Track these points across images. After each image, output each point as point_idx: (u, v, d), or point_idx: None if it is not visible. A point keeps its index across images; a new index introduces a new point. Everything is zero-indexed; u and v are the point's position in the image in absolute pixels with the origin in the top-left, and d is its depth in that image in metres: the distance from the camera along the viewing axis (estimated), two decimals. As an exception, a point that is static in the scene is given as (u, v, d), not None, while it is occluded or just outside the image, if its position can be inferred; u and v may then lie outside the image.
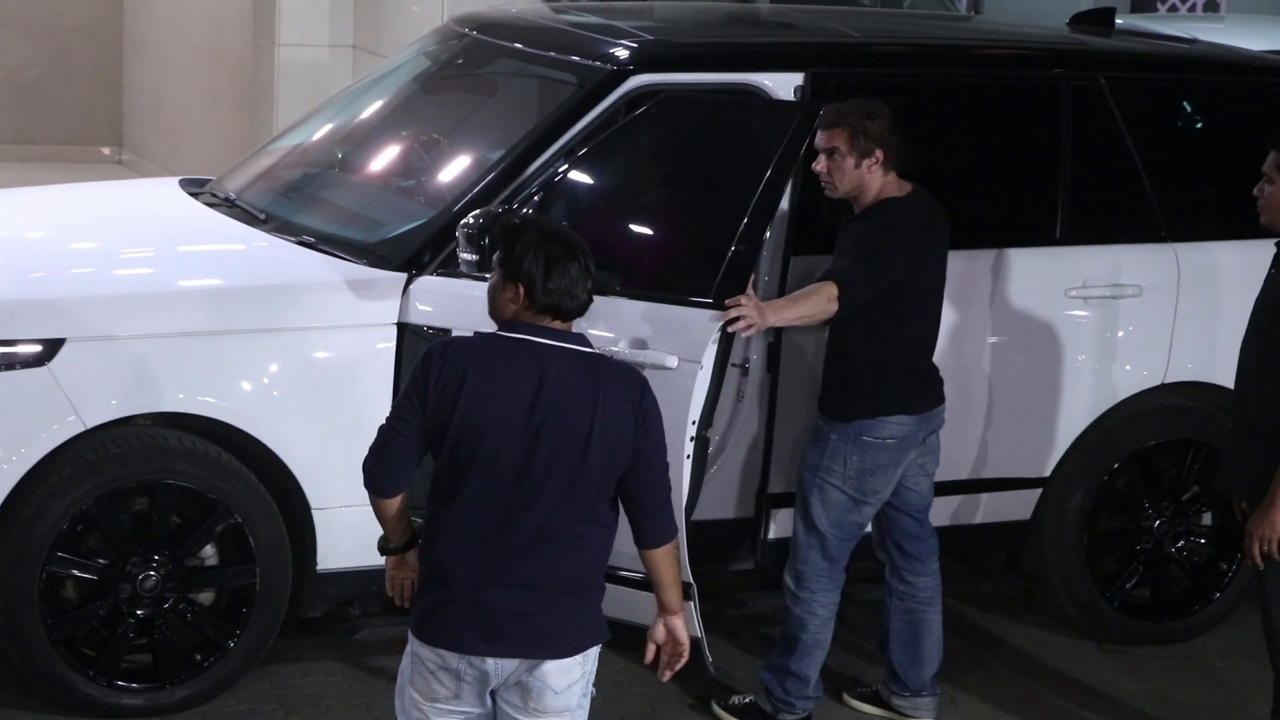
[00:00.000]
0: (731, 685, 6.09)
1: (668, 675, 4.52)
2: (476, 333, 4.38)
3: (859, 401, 5.70)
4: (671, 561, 4.44)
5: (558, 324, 4.32)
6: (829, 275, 5.62)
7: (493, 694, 4.32)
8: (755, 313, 5.51)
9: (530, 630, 4.28)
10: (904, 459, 5.77)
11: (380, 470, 4.37)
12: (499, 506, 4.26)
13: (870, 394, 5.69)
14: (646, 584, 5.47)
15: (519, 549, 4.27)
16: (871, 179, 5.68)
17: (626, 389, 4.32)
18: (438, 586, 4.31)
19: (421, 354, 4.37)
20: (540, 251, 4.28)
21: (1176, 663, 6.63)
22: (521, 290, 4.30)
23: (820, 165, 5.70)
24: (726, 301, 5.50)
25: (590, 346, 4.36)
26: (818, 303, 5.58)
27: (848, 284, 5.58)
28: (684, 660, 4.50)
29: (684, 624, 4.48)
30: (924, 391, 5.78)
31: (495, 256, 4.37)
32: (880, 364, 5.68)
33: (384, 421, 4.36)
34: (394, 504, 4.42)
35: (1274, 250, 5.49)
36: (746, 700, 5.97)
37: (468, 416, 4.23)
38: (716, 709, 5.97)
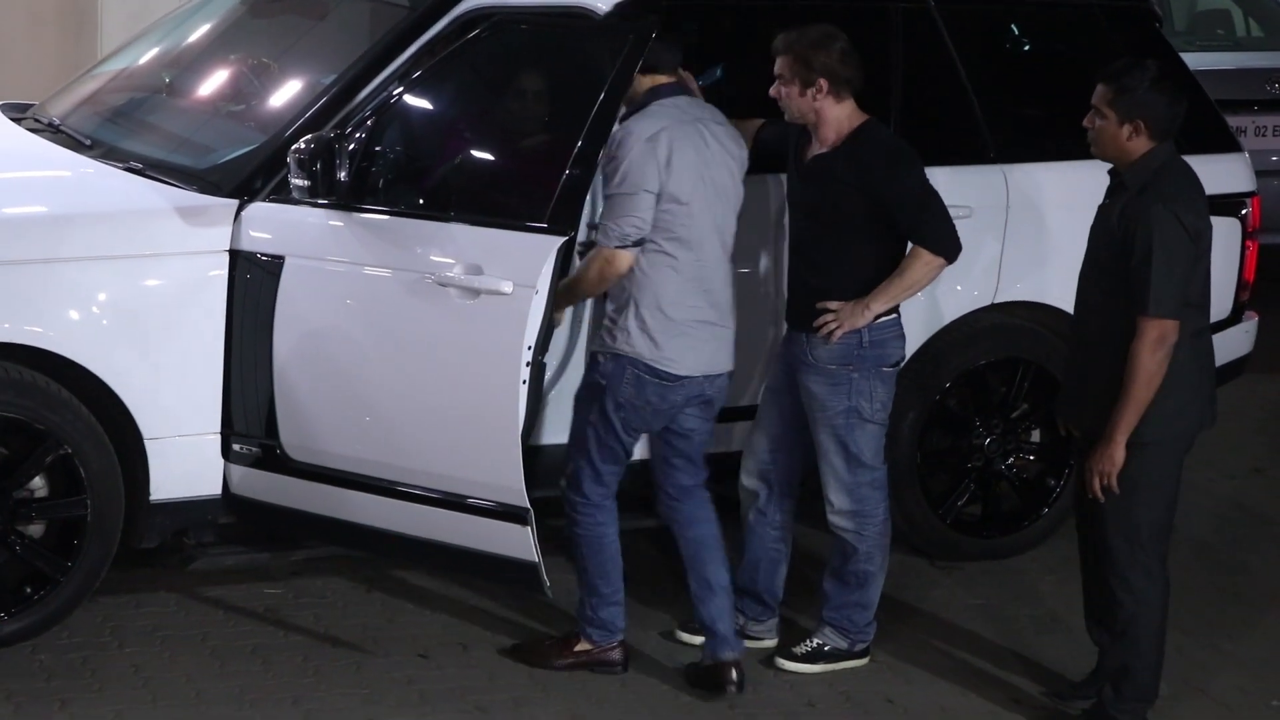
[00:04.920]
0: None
1: None
2: None
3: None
4: None
5: None
6: (920, 242, 5.71)
7: None
8: (848, 312, 5.68)
9: None
10: None
11: None
12: None
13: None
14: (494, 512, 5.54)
15: None
16: (823, 108, 5.72)
17: None
18: None
19: None
20: None
21: (1005, 578, 6.76)
22: None
23: (773, 90, 5.76)
24: (816, 322, 5.72)
25: None
26: (921, 270, 5.72)
27: (940, 236, 5.72)
28: None
29: None
30: None
31: None
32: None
33: None
34: None
35: (1107, 179, 5.54)
36: (812, 645, 6.01)
37: None
38: (786, 664, 5.98)
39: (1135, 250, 5.27)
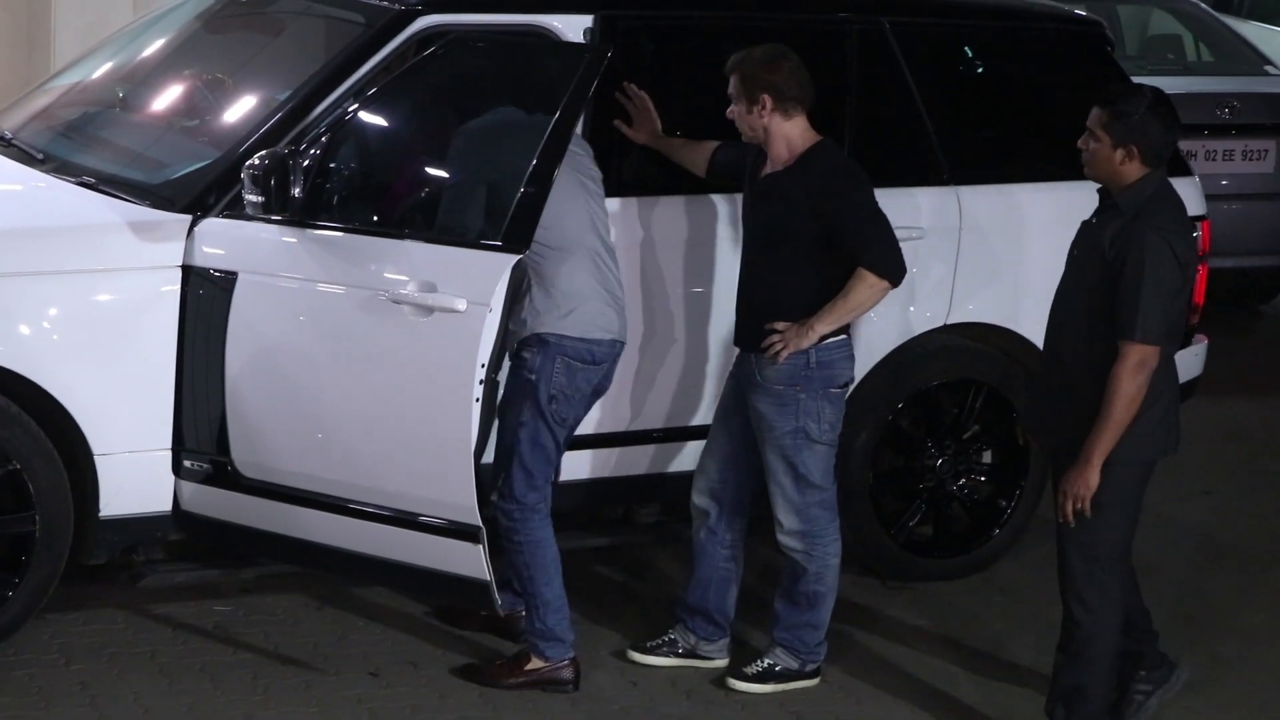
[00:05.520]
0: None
1: None
2: None
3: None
4: None
5: None
6: (864, 264, 5.69)
7: None
8: (793, 333, 5.69)
9: None
10: None
11: None
12: None
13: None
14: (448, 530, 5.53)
15: None
16: (771, 125, 5.76)
17: None
18: None
19: None
20: None
21: (956, 598, 6.78)
22: None
23: (728, 110, 5.82)
24: (763, 343, 5.72)
25: None
26: (865, 293, 5.71)
27: (885, 258, 5.71)
28: None
29: None
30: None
31: None
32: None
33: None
34: None
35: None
36: (763, 665, 6.00)
37: None
38: (737, 684, 5.97)
39: (1125, 274, 5.26)
